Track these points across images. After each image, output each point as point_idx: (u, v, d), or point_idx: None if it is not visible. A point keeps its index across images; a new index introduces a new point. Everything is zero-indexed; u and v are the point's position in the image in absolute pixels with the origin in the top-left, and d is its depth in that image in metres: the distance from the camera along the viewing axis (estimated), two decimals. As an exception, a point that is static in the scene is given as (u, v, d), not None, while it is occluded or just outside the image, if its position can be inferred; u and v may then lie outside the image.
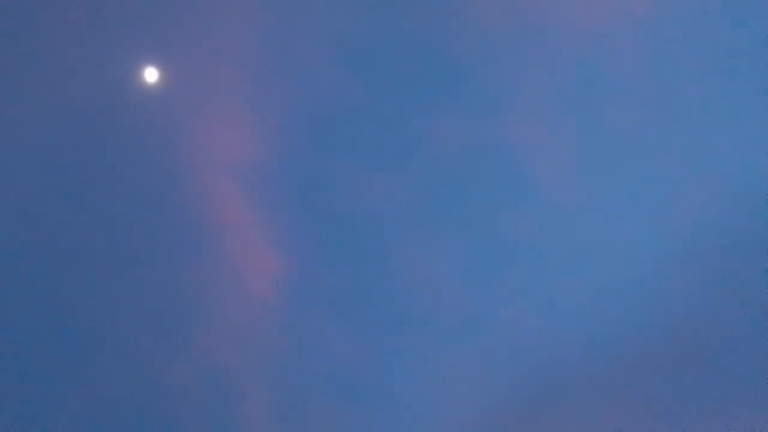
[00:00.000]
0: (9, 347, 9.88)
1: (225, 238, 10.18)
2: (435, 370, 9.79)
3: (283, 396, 10.27)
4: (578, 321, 9.64)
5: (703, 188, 9.22)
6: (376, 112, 9.89)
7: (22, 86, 9.64)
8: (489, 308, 9.69)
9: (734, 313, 8.96)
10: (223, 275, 10.24)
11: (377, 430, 9.82)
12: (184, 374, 10.29)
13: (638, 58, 9.36)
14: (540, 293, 9.59)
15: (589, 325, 9.51)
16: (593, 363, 9.45)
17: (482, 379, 9.78)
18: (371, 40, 9.75)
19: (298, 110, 9.79)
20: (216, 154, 9.83)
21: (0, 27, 9.74)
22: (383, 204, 10.08)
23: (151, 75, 9.60)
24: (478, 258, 9.79)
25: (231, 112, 9.70)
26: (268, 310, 10.26)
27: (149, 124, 9.54)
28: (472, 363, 9.71)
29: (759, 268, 9.04)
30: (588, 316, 9.52)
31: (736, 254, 9.06)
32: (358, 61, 9.77)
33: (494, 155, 9.83)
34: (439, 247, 9.99)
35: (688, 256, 9.22)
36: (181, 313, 10.31)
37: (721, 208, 9.12)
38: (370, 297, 10.08)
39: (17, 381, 9.81)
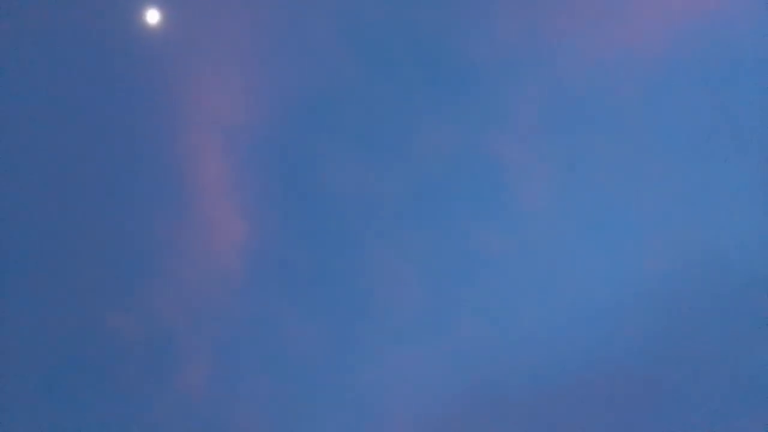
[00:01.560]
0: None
1: (194, 194, 9.98)
2: (383, 366, 9.71)
3: (222, 367, 10.07)
4: (530, 343, 9.66)
5: (681, 234, 9.36)
6: (372, 101, 9.83)
7: (12, 19, 9.34)
8: (448, 315, 9.66)
9: (690, 359, 9.09)
10: (185, 232, 10.03)
11: (312, 413, 9.68)
12: (124, 326, 10.02)
13: (640, 99, 9.49)
14: (500, 309, 9.60)
15: (540, 348, 9.54)
16: (538, 387, 9.48)
17: (426, 383, 9.73)
18: (382, 29, 9.70)
19: (297, 82, 9.68)
20: (204, 107, 9.64)
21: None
22: (361, 194, 10.01)
23: (152, 17, 9.40)
24: (445, 263, 9.77)
25: (229, 69, 9.54)
26: (225, 278, 10.08)
27: (142, 65, 9.32)
28: (421, 365, 9.66)
29: (720, 316, 9.20)
30: (541, 340, 9.55)
31: (699, 302, 9.20)
32: (365, 48, 9.71)
33: (479, 166, 9.84)
34: (408, 246, 9.95)
35: (652, 298, 9.33)
36: (133, 264, 10.05)
37: (694, 258, 9.27)
38: (330, 284, 9.97)
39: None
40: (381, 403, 9.82)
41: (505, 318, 9.68)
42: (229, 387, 9.94)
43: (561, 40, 9.59)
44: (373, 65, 9.78)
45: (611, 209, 9.67)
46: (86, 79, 9.74)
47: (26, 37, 9.44)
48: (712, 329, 9.22)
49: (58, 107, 9.75)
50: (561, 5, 9.57)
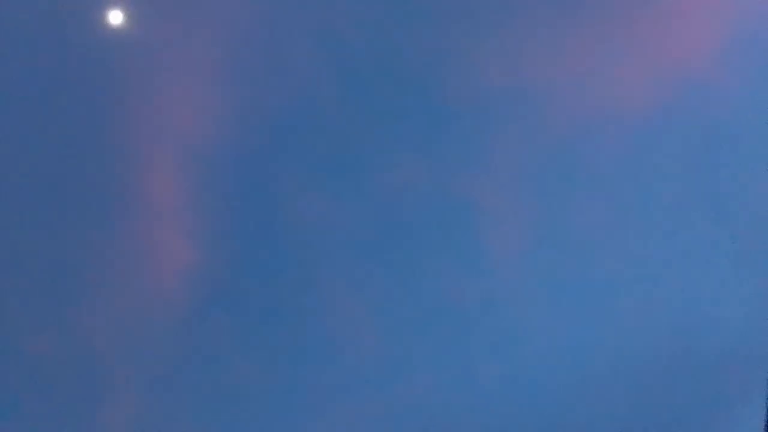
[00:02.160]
0: None
1: (142, 211, 9.19)
2: (327, 418, 9.00)
3: (154, 401, 9.23)
4: (488, 402, 9.11)
5: (654, 298, 8.98)
6: (344, 129, 9.24)
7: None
8: (403, 366, 9.04)
9: (656, 427, 8.66)
10: (127, 251, 9.21)
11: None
12: (46, 350, 9.12)
13: (620, 157, 9.14)
14: (460, 363, 9.02)
15: (499, 409, 8.99)
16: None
17: (374, 438, 9.06)
18: (362, 54, 9.15)
19: (266, 101, 9.02)
20: (161, 120, 8.90)
21: None
22: (322, 227, 9.37)
23: (115, 17, 8.65)
24: (405, 310, 9.17)
25: (195, 82, 8.83)
26: (167, 305, 9.27)
27: (105, 68, 8.55)
28: (369, 419, 8.99)
29: (690, 385, 8.83)
30: (501, 400, 9.00)
31: (668, 376, 8.81)
32: (342, 73, 9.14)
33: (451, 209, 9.32)
34: (368, 287, 9.32)
35: (620, 363, 8.89)
36: (65, 281, 9.18)
37: (665, 324, 8.88)
38: (281, 321, 9.25)
39: None
40: (323, 454, 9.11)
41: (464, 374, 9.10)
42: (159, 424, 9.09)
43: (545, 90, 9.21)
44: (349, 92, 9.21)
45: (584, 267, 9.25)
46: (40, 81, 8.93)
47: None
48: (681, 397, 8.83)
49: (7, 111, 8.90)
50: (547, 55, 9.20)
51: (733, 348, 9.09)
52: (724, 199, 9.09)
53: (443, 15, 9.23)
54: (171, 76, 8.88)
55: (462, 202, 9.21)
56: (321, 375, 9.30)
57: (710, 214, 9.31)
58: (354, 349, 9.30)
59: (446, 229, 9.31)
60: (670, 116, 9.24)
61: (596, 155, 9.13)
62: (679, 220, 9.23)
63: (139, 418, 8.98)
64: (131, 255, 9.28)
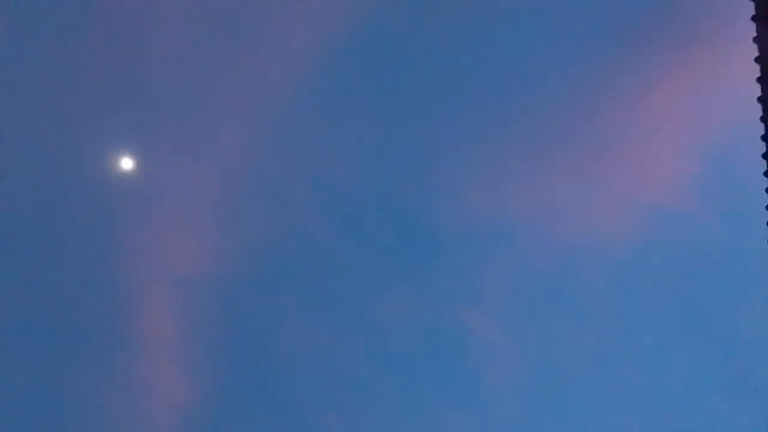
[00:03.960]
0: None
1: (134, 348, 9.21)
2: None
3: None
4: None
5: (648, 426, 9.03)
6: (337, 263, 9.51)
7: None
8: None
9: None
10: (118, 388, 9.15)
11: None
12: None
13: (607, 284, 9.47)
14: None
15: None
16: None
17: None
18: (355, 193, 9.58)
19: (261, 236, 9.31)
20: (160, 259, 9.10)
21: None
22: (317, 363, 9.43)
23: (126, 164, 9.03)
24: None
25: (191, 217, 9.12)
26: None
27: (112, 210, 8.82)
28: None
29: None
30: None
31: None
32: (335, 209, 9.52)
33: (444, 341, 9.48)
34: (361, 424, 9.28)
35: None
36: (54, 420, 9.03)
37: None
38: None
39: None
40: None
41: None
42: None
43: (529, 224, 9.64)
44: (342, 227, 9.55)
45: (576, 396, 9.35)
46: (45, 214, 9.16)
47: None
48: None
49: (13, 248, 9.05)
50: (531, 189, 9.71)
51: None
52: (707, 325, 9.38)
53: (429, 157, 9.75)
54: (171, 215, 9.18)
55: (454, 332, 9.40)
56: None
57: (695, 340, 9.56)
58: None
59: (440, 360, 9.43)
60: (648, 246, 9.65)
61: (581, 285, 9.45)
62: (666, 348, 9.46)
63: None
64: (123, 392, 9.21)
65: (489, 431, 9.10)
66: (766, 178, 5.11)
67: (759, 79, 5.01)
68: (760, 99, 5.03)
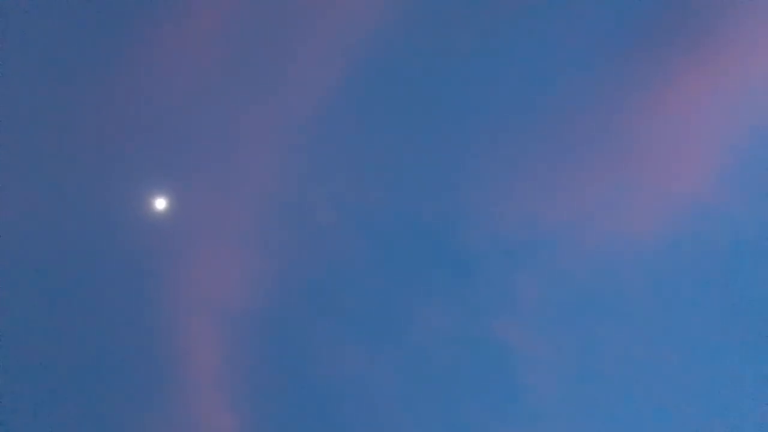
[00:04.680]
0: None
1: (183, 384, 9.38)
2: None
3: None
4: None
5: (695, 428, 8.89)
6: (373, 286, 9.58)
7: (30, 198, 9.19)
8: None
9: None
10: (172, 421, 9.32)
11: None
12: None
13: (644, 285, 9.37)
14: None
15: None
16: None
17: None
18: (383, 212, 9.65)
19: (297, 267, 9.44)
20: (200, 293, 9.29)
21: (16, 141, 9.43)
22: (360, 386, 9.49)
23: (160, 204, 9.26)
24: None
25: (228, 253, 9.30)
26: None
27: (149, 251, 9.05)
28: None
29: None
30: None
31: None
32: (367, 233, 9.60)
33: (483, 355, 9.46)
34: (410, 443, 9.30)
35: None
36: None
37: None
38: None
39: None
40: None
41: None
42: None
43: (563, 227, 9.59)
44: (375, 250, 9.63)
45: (622, 401, 9.24)
46: (82, 257, 9.41)
47: (34, 222, 9.19)
48: None
49: (48, 288, 9.33)
50: (561, 194, 9.66)
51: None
52: (750, 318, 9.20)
53: (456, 170, 9.78)
54: (208, 250, 9.37)
55: (493, 346, 9.38)
56: None
57: (739, 334, 9.39)
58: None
59: (480, 375, 9.42)
60: (684, 240, 9.52)
61: (619, 287, 9.36)
62: (711, 343, 9.30)
63: None
64: (175, 423, 9.38)
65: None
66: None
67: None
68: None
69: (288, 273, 9.44)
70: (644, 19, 9.83)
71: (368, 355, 9.58)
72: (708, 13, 9.62)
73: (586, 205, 9.59)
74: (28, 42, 9.60)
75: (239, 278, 9.39)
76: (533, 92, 9.81)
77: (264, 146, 9.82)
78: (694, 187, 9.66)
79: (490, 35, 9.88)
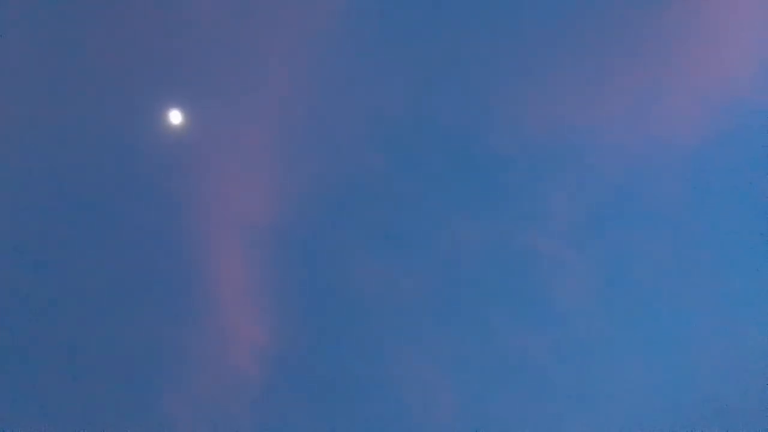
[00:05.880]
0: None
1: (212, 297, 9.48)
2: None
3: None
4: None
5: (727, 336, 8.71)
6: (398, 196, 9.43)
7: (51, 116, 9.15)
8: (481, 425, 8.93)
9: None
10: (201, 338, 9.47)
11: None
12: (135, 426, 9.33)
13: (677, 190, 9.05)
14: (539, 417, 8.88)
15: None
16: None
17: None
18: (408, 123, 9.40)
19: (320, 178, 9.31)
20: (225, 207, 9.26)
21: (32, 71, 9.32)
22: (387, 294, 9.47)
23: (175, 117, 9.15)
24: (477, 369, 9.11)
25: (251, 167, 9.21)
26: (242, 386, 9.44)
27: (168, 166, 9.01)
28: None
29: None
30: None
31: (748, 416, 8.46)
32: (391, 142, 9.39)
33: (511, 263, 9.33)
34: (437, 350, 9.32)
35: (696, 411, 8.59)
36: (143, 371, 9.45)
37: (749, 369, 8.57)
38: (354, 393, 9.30)
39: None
40: None
41: (543, 427, 8.94)
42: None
43: (593, 132, 9.25)
44: (399, 159, 9.43)
45: (653, 309, 9.07)
46: (105, 178, 9.43)
47: (48, 139, 9.19)
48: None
49: (77, 205, 9.40)
50: (591, 98, 9.28)
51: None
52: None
53: (481, 78, 9.44)
54: (229, 165, 9.29)
55: (522, 253, 9.23)
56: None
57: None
58: (431, 414, 9.25)
59: (510, 283, 9.31)
60: (720, 138, 9.12)
61: (651, 191, 9.07)
62: (747, 248, 9.01)
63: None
64: (205, 340, 9.53)
65: (563, 351, 8.98)
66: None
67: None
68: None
69: (311, 185, 9.34)
70: None
71: (395, 265, 9.52)
72: None
73: (617, 106, 9.22)
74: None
75: (262, 191, 9.33)
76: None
77: (284, 58, 9.57)
78: (731, 85, 9.20)
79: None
